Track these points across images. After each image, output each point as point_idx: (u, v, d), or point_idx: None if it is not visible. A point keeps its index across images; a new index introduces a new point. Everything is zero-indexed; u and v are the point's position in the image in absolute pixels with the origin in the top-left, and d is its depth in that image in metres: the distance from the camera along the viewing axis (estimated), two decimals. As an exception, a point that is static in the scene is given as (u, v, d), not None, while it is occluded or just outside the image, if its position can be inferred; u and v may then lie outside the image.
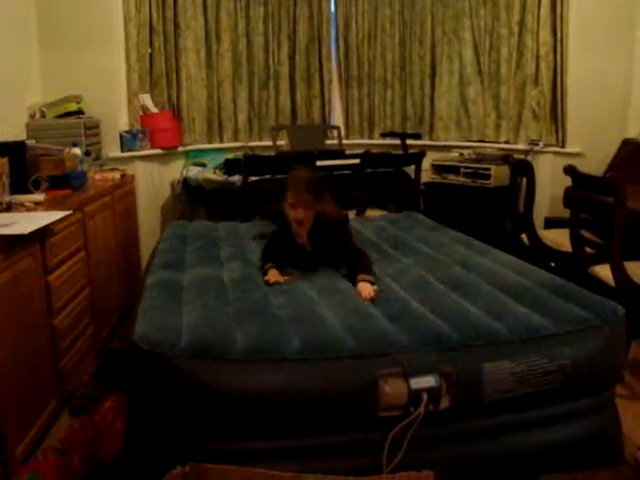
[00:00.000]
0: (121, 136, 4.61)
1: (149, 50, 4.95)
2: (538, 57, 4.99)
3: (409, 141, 5.37)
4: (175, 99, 5.20)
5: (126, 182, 4.27)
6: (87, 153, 3.95)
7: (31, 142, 3.58)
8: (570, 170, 3.30)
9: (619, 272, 2.96)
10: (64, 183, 3.40)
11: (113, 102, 4.56)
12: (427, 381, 2.01)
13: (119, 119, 4.63)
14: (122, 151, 4.61)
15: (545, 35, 4.90)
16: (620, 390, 2.84)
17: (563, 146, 4.91)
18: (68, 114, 4.13)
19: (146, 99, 4.93)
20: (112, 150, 4.54)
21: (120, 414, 2.42)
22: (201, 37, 5.23)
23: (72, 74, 4.31)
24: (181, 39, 5.13)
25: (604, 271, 3.11)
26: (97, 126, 4.33)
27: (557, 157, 4.83)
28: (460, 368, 2.07)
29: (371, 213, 4.49)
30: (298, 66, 5.59)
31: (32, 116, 4.09)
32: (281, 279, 2.72)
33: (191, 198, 5.00)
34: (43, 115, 4.11)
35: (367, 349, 2.07)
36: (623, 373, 2.47)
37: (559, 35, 4.80)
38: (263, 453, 2.01)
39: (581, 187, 3.30)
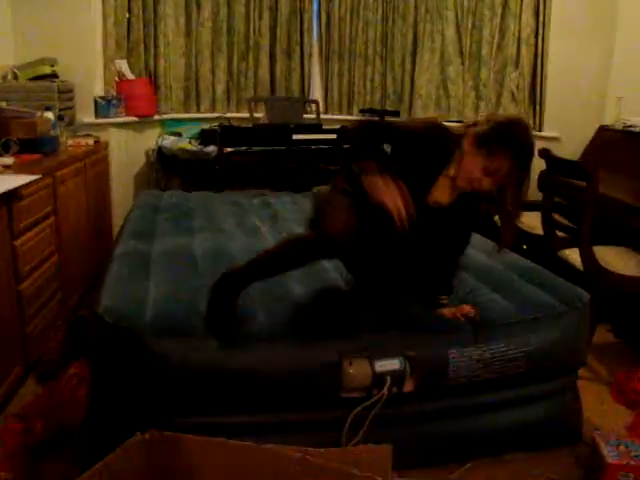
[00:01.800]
0: (96, 102, 4.52)
1: (127, 15, 4.84)
2: (519, 40, 4.99)
3: (388, 118, 5.34)
4: (152, 66, 5.10)
5: (99, 149, 4.21)
6: (60, 118, 3.87)
7: (2, 104, 3.50)
8: (545, 153, 3.31)
9: (587, 256, 2.98)
10: (35, 147, 3.34)
11: (88, 67, 4.46)
12: (392, 364, 2.03)
13: (94, 84, 4.53)
14: (96, 117, 4.53)
15: (527, 18, 4.90)
16: (583, 372, 2.88)
17: (540, 130, 4.94)
18: (41, 77, 4.03)
19: (122, 65, 4.84)
20: (86, 116, 4.46)
21: (84, 381, 2.40)
22: (181, 4, 5.12)
23: (46, 36, 4.19)
24: (160, 5, 5.01)
25: (574, 255, 3.14)
26: (71, 90, 4.24)
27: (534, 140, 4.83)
28: (425, 352, 2.09)
29: (347, 189, 4.46)
30: (279, 38, 5.52)
31: (3, 77, 4.00)
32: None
33: (165, 168, 4.94)
34: (15, 77, 4.02)
35: (333, 330, 2.08)
36: (586, 357, 2.51)
37: (541, 19, 4.81)
38: (225, 427, 2.00)
39: (555, 171, 3.31)
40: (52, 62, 4.14)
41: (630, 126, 4.03)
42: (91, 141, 4.04)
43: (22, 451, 2.16)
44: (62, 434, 2.28)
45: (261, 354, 2.00)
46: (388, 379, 2.01)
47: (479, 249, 2.88)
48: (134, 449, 1.61)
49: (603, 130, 4.39)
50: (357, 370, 2.00)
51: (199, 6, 5.21)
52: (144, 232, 2.95)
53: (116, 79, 4.78)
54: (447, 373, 2.11)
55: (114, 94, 4.70)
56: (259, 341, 2.01)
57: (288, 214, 3.48)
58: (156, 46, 5.07)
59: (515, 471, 2.26)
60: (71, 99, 4.24)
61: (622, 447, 2.17)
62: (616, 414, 2.68)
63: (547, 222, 3.37)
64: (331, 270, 2.56)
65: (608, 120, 4.50)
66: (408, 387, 2.07)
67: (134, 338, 1.94)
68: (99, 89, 4.61)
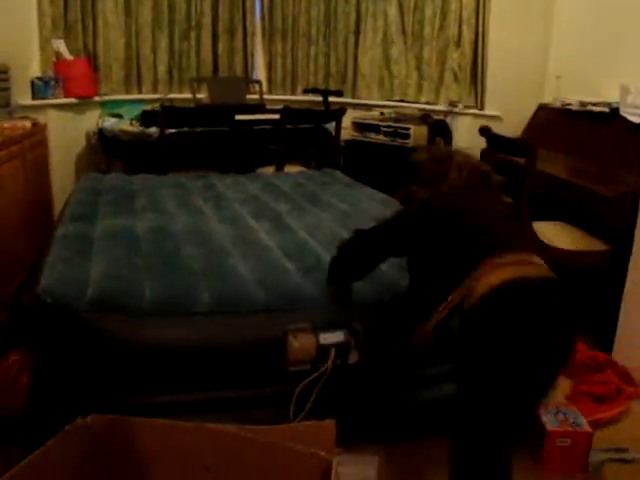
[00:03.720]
0: (32, 83, 4.40)
1: (63, -7, 4.72)
2: (461, 20, 5.03)
3: (331, 98, 5.34)
4: (91, 46, 4.98)
5: (38, 131, 4.09)
6: (-6, 99, 3.77)
7: None
8: (485, 131, 3.36)
9: (527, 231, 3.05)
10: (-32, 130, 3.24)
11: (24, 46, 4.34)
12: (336, 336, 2.05)
13: (30, 65, 4.42)
14: (33, 99, 4.41)
15: (468, -3, 4.94)
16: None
17: (482, 108, 5.00)
18: (-28, 56, 3.91)
19: (60, 45, 4.71)
20: (23, 97, 4.33)
21: (25, 368, 2.35)
22: (120, -19, 5.03)
23: (-23, 14, 4.06)
24: (98, -17, 4.91)
25: (514, 231, 3.20)
26: (6, 71, 4.10)
27: (476, 119, 4.90)
28: (370, 324, 2.11)
29: (291, 169, 4.47)
30: (221, 17, 5.45)
31: None
32: None
33: (107, 150, 4.84)
34: (-56, 56, 3.88)
35: (278, 304, 2.08)
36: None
37: (481, -1, 4.85)
38: (170, 406, 2.00)
39: (495, 148, 3.37)
40: (-16, 41, 4.00)
41: (568, 104, 4.11)
42: (28, 123, 3.92)
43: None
44: (3, 422, 2.24)
45: (204, 329, 2.00)
46: (333, 351, 2.03)
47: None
48: (75, 434, 1.58)
49: (542, 108, 4.48)
50: (302, 343, 2.01)
51: (139, -17, 5.11)
52: (85, 215, 2.90)
53: (53, 59, 4.65)
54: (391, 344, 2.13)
55: (52, 75, 4.58)
56: (201, 316, 2.01)
57: (231, 195, 3.46)
58: (95, 25, 4.96)
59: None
60: (6, 80, 4.10)
61: (560, 415, 2.25)
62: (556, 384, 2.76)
63: (488, 199, 3.43)
64: (274, 250, 2.56)
65: (547, 99, 4.58)
66: (353, 358, 2.09)
67: (73, 317, 1.91)
68: (36, 70, 4.49)
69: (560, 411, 2.28)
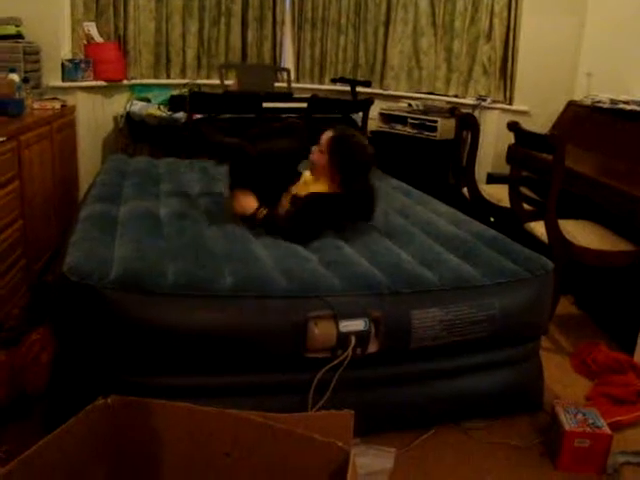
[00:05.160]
0: (63, 65, 4.43)
1: (96, -24, 4.75)
2: (492, 13, 4.97)
3: (359, 89, 5.32)
4: (122, 30, 5.02)
5: (66, 113, 4.12)
6: (25, 80, 3.78)
7: (-37, 64, 3.42)
8: (514, 126, 3.33)
9: (553, 229, 3.02)
10: (-1, 109, 3.27)
11: (56, 28, 4.36)
12: (356, 325, 2.04)
13: (61, 47, 4.44)
14: (63, 81, 4.44)
15: (500, -9, 4.89)
16: (546, 343, 2.94)
17: (510, 103, 4.95)
18: (5, 37, 3.93)
19: (91, 28, 4.74)
20: (53, 79, 4.37)
21: (47, 346, 2.38)
22: (152, -33, 5.05)
23: (10, -6, 4.09)
24: (130, -33, 4.93)
25: (539, 227, 3.17)
26: (37, 52, 4.15)
27: (504, 114, 4.86)
28: (389, 314, 2.11)
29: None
30: (251, 5, 5.46)
31: (-34, 36, 3.89)
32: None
33: (134, 133, 4.88)
34: (-22, 36, 3.92)
35: (299, 290, 2.08)
36: (548, 325, 2.55)
37: (514, -8, 4.80)
38: (190, 389, 2.02)
39: (523, 144, 3.33)
40: (17, 22, 4.02)
41: (599, 102, 4.06)
42: (58, 105, 3.95)
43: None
44: (24, 400, 2.28)
45: (226, 312, 2.00)
46: (353, 339, 2.03)
47: (448, 220, 2.91)
48: (96, 413, 1.60)
49: (572, 105, 4.42)
50: (322, 330, 2.01)
51: (170, -31, 5.13)
52: (110, 196, 2.91)
53: (84, 42, 4.69)
54: (410, 334, 2.12)
55: (82, 57, 4.61)
56: (223, 299, 2.01)
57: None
58: (126, 10, 5.00)
59: (476, 438, 2.30)
60: (37, 61, 4.15)
61: (580, 416, 2.22)
62: (576, 384, 2.74)
63: (514, 194, 3.40)
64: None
65: (577, 96, 4.53)
66: (372, 348, 2.09)
67: (97, 296, 1.92)
68: (67, 52, 4.52)
69: (580, 411, 2.25)
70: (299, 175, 2.87)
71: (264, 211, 2.64)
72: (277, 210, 2.70)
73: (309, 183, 2.78)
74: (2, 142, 2.77)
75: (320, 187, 2.70)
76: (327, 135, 2.71)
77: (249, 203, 2.67)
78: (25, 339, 2.49)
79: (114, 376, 1.99)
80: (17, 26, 4.01)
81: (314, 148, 2.74)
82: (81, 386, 2.01)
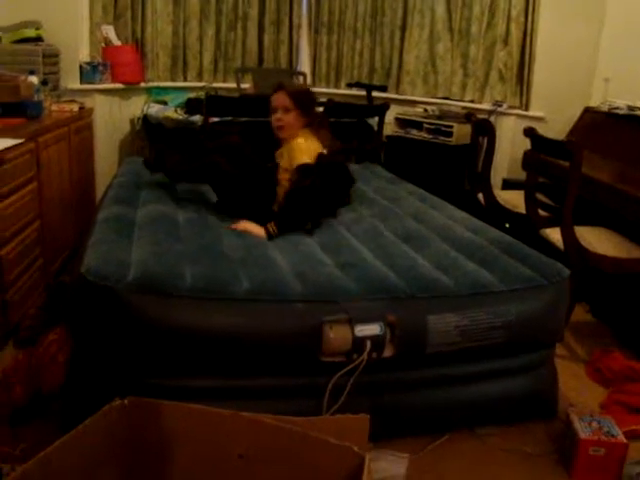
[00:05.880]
0: (81, 67, 4.47)
1: (114, -20, 4.78)
2: (509, 18, 4.95)
3: (375, 93, 5.32)
4: (139, 33, 5.04)
5: (84, 115, 4.16)
6: (44, 82, 3.81)
7: (-16, 66, 3.46)
8: (530, 132, 3.32)
9: (569, 235, 3.01)
10: (18, 111, 3.30)
11: (74, 31, 4.40)
12: (371, 329, 2.04)
13: (80, 50, 4.48)
14: (81, 83, 4.48)
15: (518, -4, 4.87)
16: (561, 351, 2.93)
17: (526, 109, 4.93)
18: (25, 40, 3.97)
19: (109, 31, 4.78)
20: (71, 81, 4.41)
21: (64, 346, 2.40)
22: (169, -30, 5.08)
23: (30, -3, 4.13)
24: (148, -29, 4.96)
25: (555, 234, 3.16)
26: (56, 55, 4.18)
27: (520, 120, 4.84)
28: (405, 318, 2.11)
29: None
30: (268, 9, 5.47)
31: (-14, 39, 3.94)
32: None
33: (151, 136, 4.90)
34: (-2, 39, 3.96)
35: (315, 295, 2.09)
36: (563, 332, 2.54)
37: (531, -3, 4.78)
38: (205, 391, 2.03)
39: (539, 150, 3.33)
40: (37, 25, 4.07)
41: (616, 108, 4.04)
42: (76, 107, 3.99)
43: (1, 415, 2.17)
44: (41, 399, 2.29)
45: (242, 316, 2.01)
46: (368, 343, 2.03)
47: (463, 225, 2.91)
48: (112, 414, 1.61)
49: (588, 111, 4.41)
50: (337, 334, 2.02)
51: (188, -27, 5.15)
52: (127, 199, 2.93)
53: (102, 45, 4.72)
54: (426, 339, 2.12)
55: (100, 60, 4.65)
56: (240, 302, 2.02)
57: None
58: (143, 13, 5.02)
59: (490, 444, 2.30)
60: (56, 64, 4.18)
61: (594, 424, 2.21)
62: (591, 392, 2.73)
63: (530, 201, 3.39)
64: (312, 244, 2.58)
65: (594, 101, 4.51)
66: (388, 352, 2.09)
67: (115, 297, 1.94)
68: (85, 55, 4.56)
69: (594, 419, 2.24)
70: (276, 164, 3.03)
71: (272, 226, 2.66)
72: (278, 199, 2.90)
73: (291, 151, 2.90)
74: (21, 144, 2.79)
75: (301, 145, 2.87)
76: (281, 95, 2.94)
77: (254, 230, 2.66)
78: (42, 339, 2.51)
79: (130, 377, 2.00)
80: (37, 29, 4.06)
81: (274, 117, 2.94)
82: (97, 386, 2.03)
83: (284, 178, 2.91)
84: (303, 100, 2.93)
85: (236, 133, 3.06)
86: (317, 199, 2.82)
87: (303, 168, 2.81)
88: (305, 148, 2.86)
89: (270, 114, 2.99)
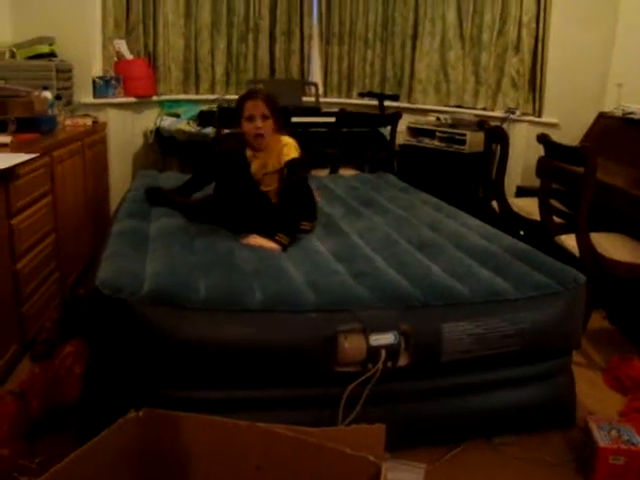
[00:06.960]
0: (94, 82, 4.51)
1: (126, -5, 4.83)
2: (520, 25, 4.95)
3: (387, 103, 5.33)
4: (151, 47, 5.10)
5: (98, 129, 4.19)
6: (58, 97, 3.85)
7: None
8: (543, 138, 3.31)
9: (584, 242, 2.99)
10: (33, 126, 3.32)
11: (87, 46, 4.45)
12: (386, 338, 2.03)
13: (93, 64, 4.52)
14: (94, 97, 4.52)
15: (529, 3, 4.86)
16: (578, 358, 2.90)
17: (539, 116, 4.92)
18: (39, 56, 4.02)
19: (121, 45, 4.82)
20: (84, 96, 4.45)
21: (80, 359, 2.40)
22: (180, -16, 5.12)
23: (44, 14, 4.18)
24: (160, -15, 5.01)
25: (570, 240, 3.14)
26: (69, 70, 4.23)
27: (533, 126, 4.82)
28: (420, 327, 2.10)
29: (345, 172, 4.48)
30: (279, 20, 5.51)
31: (1, 56, 3.97)
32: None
33: (164, 149, 4.94)
34: (13, 55, 4.00)
35: (328, 304, 2.09)
36: (580, 339, 2.52)
37: (543, 4, 4.76)
38: (220, 403, 2.03)
39: (553, 156, 3.31)
40: (50, 41, 4.12)
41: (630, 113, 4.02)
42: (89, 121, 4.02)
43: (19, 428, 2.17)
44: (58, 412, 2.30)
45: (256, 327, 2.01)
46: (383, 353, 2.02)
47: (478, 233, 2.89)
48: (128, 426, 1.61)
49: (602, 117, 4.38)
50: (352, 344, 2.01)
51: (199, -14, 5.19)
52: (141, 212, 2.95)
53: (115, 59, 4.76)
54: (441, 347, 2.11)
55: (112, 74, 4.68)
56: (254, 314, 2.02)
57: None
58: (155, 27, 5.07)
59: (507, 454, 2.28)
60: (69, 79, 4.23)
61: (614, 432, 2.18)
62: (609, 399, 2.70)
63: (544, 207, 3.37)
64: (326, 253, 2.58)
65: (608, 107, 4.48)
66: (403, 361, 2.08)
67: (130, 310, 1.94)
68: (97, 69, 4.60)
69: (614, 427, 2.21)
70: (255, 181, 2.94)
71: (281, 236, 2.64)
72: (272, 201, 2.88)
73: (279, 153, 2.86)
74: (35, 158, 2.82)
75: (289, 144, 2.87)
76: (256, 103, 2.85)
77: (267, 245, 2.61)
78: (58, 351, 2.52)
79: (146, 389, 2.01)
80: (50, 45, 4.11)
81: (251, 126, 2.84)
82: (113, 398, 2.03)
83: (273, 182, 2.90)
84: (276, 105, 2.92)
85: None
86: (310, 191, 2.92)
87: (294, 162, 2.83)
88: (292, 146, 2.87)
89: (241, 123, 2.89)
